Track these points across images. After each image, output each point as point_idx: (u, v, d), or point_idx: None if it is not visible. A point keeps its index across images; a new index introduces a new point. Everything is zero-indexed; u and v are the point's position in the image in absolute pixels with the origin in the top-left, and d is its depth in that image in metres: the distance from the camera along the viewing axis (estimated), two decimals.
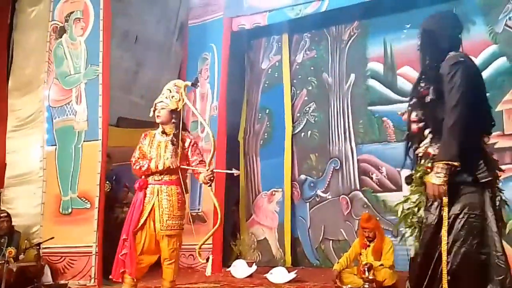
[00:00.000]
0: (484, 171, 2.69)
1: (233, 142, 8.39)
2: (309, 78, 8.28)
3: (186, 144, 4.16)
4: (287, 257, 7.85)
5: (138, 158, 4.18)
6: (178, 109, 4.17)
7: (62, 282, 6.19)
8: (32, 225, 6.81)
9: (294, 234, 7.99)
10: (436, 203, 2.68)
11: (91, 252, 6.19)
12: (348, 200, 7.61)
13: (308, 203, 8.00)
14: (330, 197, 7.83)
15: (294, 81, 8.40)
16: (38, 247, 6.28)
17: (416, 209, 2.79)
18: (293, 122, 8.29)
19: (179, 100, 4.16)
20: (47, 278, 6.19)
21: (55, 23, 7.10)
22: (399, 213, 2.91)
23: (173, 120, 4.16)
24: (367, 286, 5.44)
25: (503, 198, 2.79)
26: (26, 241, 6.53)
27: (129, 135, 8.12)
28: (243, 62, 8.98)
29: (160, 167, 4.05)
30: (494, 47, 6.66)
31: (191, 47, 8.57)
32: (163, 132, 4.19)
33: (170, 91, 4.17)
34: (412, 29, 7.25)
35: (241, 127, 8.70)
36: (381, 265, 5.54)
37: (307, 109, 8.23)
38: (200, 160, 4.19)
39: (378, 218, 6.89)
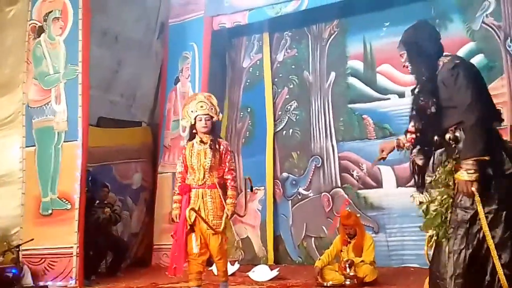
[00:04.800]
0: (508, 162, 2.73)
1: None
2: (290, 76, 8.30)
3: (221, 148, 4.54)
4: (269, 255, 7.87)
5: (184, 172, 4.58)
6: (219, 120, 4.68)
7: (42, 284, 6.15)
8: (12, 226, 6.75)
9: (277, 232, 8.01)
10: (467, 200, 2.69)
11: (72, 253, 6.15)
12: (330, 197, 7.66)
13: (290, 201, 8.03)
14: (312, 194, 7.87)
15: (275, 79, 8.41)
16: (17, 249, 6.22)
17: (443, 209, 2.80)
18: (274, 121, 8.31)
19: (218, 112, 4.58)
20: (27, 280, 6.14)
21: (34, 23, 7.03)
22: (426, 213, 2.89)
23: (213, 130, 4.58)
24: (348, 282, 5.50)
25: None
26: (5, 243, 6.47)
27: (110, 135, 8.12)
28: (224, 61, 8.97)
29: (201, 176, 4.45)
30: (472, 44, 6.74)
31: (172, 46, 8.55)
32: (201, 141, 4.53)
33: (207, 104, 4.52)
34: (391, 27, 7.33)
35: (222, 125, 8.69)
36: (362, 261, 5.59)
37: (289, 107, 8.26)
38: (230, 168, 4.55)
39: (359, 215, 6.96)
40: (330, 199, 7.64)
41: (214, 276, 6.65)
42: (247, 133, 8.55)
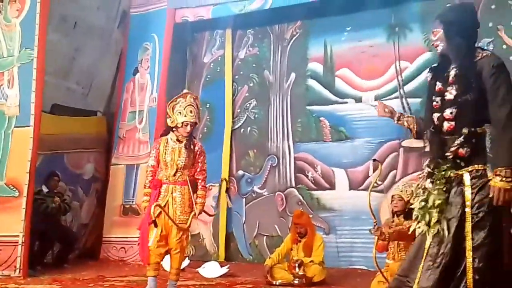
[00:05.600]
0: None
1: None
2: (250, 74, 8.31)
3: (196, 149, 4.74)
4: (220, 252, 7.86)
5: (156, 166, 4.71)
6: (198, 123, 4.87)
7: None
8: None
9: (229, 229, 8.01)
10: (459, 199, 2.69)
11: (17, 242, 5.96)
12: (284, 196, 7.72)
13: (244, 199, 8.05)
14: (266, 193, 7.91)
15: (236, 77, 8.41)
16: None
17: (440, 203, 2.75)
18: (233, 118, 8.30)
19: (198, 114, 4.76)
20: None
21: None
22: (419, 206, 2.85)
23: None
24: (296, 281, 5.56)
25: None
26: None
27: (63, 122, 7.93)
28: (185, 55, 8.89)
29: (173, 173, 4.60)
30: (428, 54, 6.91)
31: (132, 36, 8.42)
32: (177, 140, 4.69)
33: (194, 108, 4.68)
34: (352, 32, 7.45)
35: None
36: (312, 261, 5.66)
37: (248, 105, 8.27)
38: (202, 169, 4.76)
39: (311, 216, 7.04)
40: (284, 199, 7.70)
41: (163, 270, 6.63)
42: (205, 129, 8.51)
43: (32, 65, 6.33)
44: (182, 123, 4.61)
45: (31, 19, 6.43)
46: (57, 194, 7.06)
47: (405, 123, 3.24)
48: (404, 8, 7.15)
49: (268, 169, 7.93)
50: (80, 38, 8.06)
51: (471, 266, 2.61)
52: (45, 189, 6.95)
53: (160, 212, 4.51)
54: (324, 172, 7.47)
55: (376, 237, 4.60)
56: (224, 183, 5.10)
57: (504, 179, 2.59)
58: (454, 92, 2.78)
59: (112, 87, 8.70)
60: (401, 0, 7.10)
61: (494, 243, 2.64)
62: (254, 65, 8.31)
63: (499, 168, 2.61)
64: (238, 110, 8.32)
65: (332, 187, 7.40)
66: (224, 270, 6.38)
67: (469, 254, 2.62)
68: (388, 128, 6.61)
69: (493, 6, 6.54)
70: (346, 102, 7.47)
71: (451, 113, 2.77)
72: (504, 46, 6.40)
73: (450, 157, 2.78)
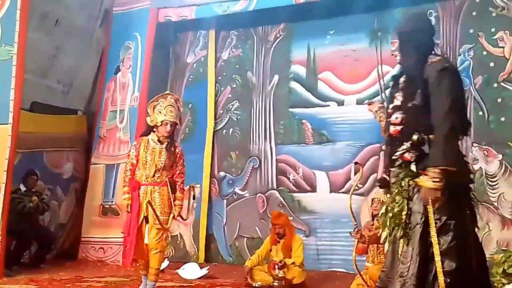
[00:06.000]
0: (469, 174, 2.81)
1: None
2: (233, 76, 8.30)
3: (177, 151, 4.81)
4: (200, 253, 7.82)
5: (136, 165, 4.75)
6: (180, 125, 5.02)
7: None
8: None
9: (210, 231, 7.98)
10: (420, 205, 2.72)
11: None
12: (265, 198, 7.71)
13: (225, 200, 8.02)
14: (247, 195, 7.89)
15: (219, 77, 8.38)
16: None
17: (398, 211, 2.80)
18: (215, 119, 8.27)
19: (180, 116, 4.91)
20: None
21: None
22: (384, 213, 2.91)
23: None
24: (276, 283, 5.55)
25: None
26: None
27: (43, 121, 7.82)
28: (168, 55, 8.84)
29: (152, 174, 4.66)
30: None
31: (115, 35, 8.35)
32: (158, 141, 4.73)
33: (174, 107, 4.74)
34: (335, 35, 7.48)
35: None
36: (293, 263, 5.66)
37: (230, 106, 8.25)
38: (182, 172, 4.85)
39: (292, 218, 7.06)
40: (265, 201, 7.70)
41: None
42: (187, 129, 8.46)
43: (11, 62, 6.23)
44: (162, 122, 4.66)
45: (11, 16, 6.32)
46: (35, 193, 6.96)
47: (377, 117, 3.29)
48: (387, 14, 7.20)
49: (250, 170, 7.92)
50: (61, 36, 7.96)
51: (441, 269, 2.65)
52: (23, 188, 6.85)
53: (147, 209, 4.59)
54: (305, 174, 7.48)
55: (356, 240, 4.63)
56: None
57: (431, 179, 2.63)
58: (400, 98, 2.88)
59: (93, 86, 8.61)
60: (384, 6, 7.14)
61: (461, 245, 2.68)
62: (237, 66, 8.30)
63: (430, 168, 2.66)
64: (221, 111, 8.30)
65: (313, 189, 7.41)
66: (204, 271, 6.37)
67: (437, 258, 2.67)
68: (369, 132, 6.66)
69: (474, 13, 6.63)
70: (328, 105, 7.50)
71: (396, 118, 2.86)
72: (485, 53, 6.49)
73: (397, 161, 2.85)
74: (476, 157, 6.33)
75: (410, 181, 2.79)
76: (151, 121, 4.73)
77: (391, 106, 2.94)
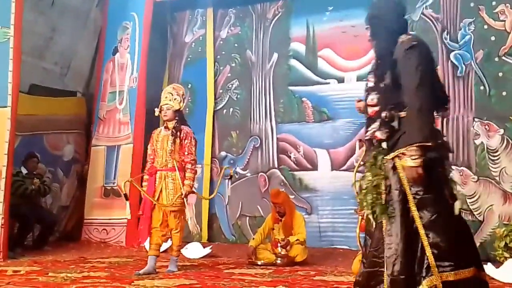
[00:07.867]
0: (445, 148, 2.79)
1: (152, 116, 8.20)
2: (232, 54, 8.23)
3: (182, 134, 5.01)
4: (203, 233, 7.86)
5: (153, 154, 5.10)
6: (181, 109, 5.09)
7: None
8: None
9: (212, 210, 8.00)
10: (396, 181, 2.72)
11: None
12: (266, 177, 7.72)
13: (227, 180, 8.03)
14: (249, 174, 7.90)
15: (218, 57, 8.32)
16: None
17: (373, 187, 2.80)
18: (215, 99, 8.24)
19: (181, 101, 5.06)
20: None
21: None
22: (358, 190, 2.95)
23: (176, 118, 5.03)
24: (279, 261, 5.58)
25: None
26: None
27: (42, 103, 7.79)
28: (166, 34, 8.76)
29: (164, 160, 4.97)
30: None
31: (111, 15, 8.27)
32: (166, 127, 5.07)
33: (172, 94, 5.02)
34: (334, 12, 7.40)
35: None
36: (297, 240, 5.68)
37: (230, 86, 8.20)
38: (189, 152, 5.03)
39: (293, 196, 7.07)
40: (267, 180, 7.70)
41: (145, 252, 6.62)
42: (187, 109, 8.39)
43: (8, 44, 6.16)
44: (160, 107, 5.02)
45: None
46: (37, 176, 6.97)
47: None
48: None
49: (251, 150, 7.91)
50: (57, 17, 7.89)
51: (427, 242, 2.65)
52: (24, 171, 6.85)
53: (159, 196, 4.95)
54: (306, 152, 7.47)
55: (360, 217, 4.63)
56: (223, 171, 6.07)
57: (409, 157, 2.64)
58: (372, 79, 2.91)
59: (91, 67, 8.55)
60: None
61: (443, 217, 2.68)
62: (236, 44, 8.23)
63: (408, 147, 2.65)
64: (220, 91, 8.25)
65: (314, 167, 7.42)
66: (207, 250, 6.40)
67: (421, 232, 2.66)
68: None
69: None
70: (328, 83, 7.45)
71: (372, 99, 2.87)
72: (486, 27, 6.42)
73: (368, 139, 2.87)
74: (478, 132, 6.31)
75: (383, 159, 2.80)
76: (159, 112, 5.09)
77: (365, 88, 2.97)
